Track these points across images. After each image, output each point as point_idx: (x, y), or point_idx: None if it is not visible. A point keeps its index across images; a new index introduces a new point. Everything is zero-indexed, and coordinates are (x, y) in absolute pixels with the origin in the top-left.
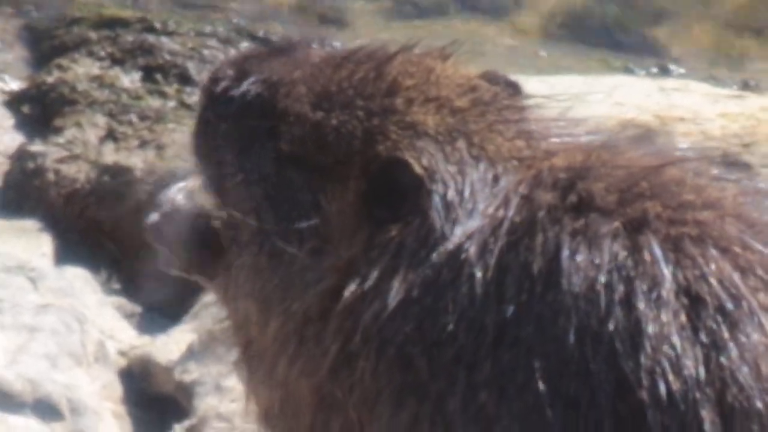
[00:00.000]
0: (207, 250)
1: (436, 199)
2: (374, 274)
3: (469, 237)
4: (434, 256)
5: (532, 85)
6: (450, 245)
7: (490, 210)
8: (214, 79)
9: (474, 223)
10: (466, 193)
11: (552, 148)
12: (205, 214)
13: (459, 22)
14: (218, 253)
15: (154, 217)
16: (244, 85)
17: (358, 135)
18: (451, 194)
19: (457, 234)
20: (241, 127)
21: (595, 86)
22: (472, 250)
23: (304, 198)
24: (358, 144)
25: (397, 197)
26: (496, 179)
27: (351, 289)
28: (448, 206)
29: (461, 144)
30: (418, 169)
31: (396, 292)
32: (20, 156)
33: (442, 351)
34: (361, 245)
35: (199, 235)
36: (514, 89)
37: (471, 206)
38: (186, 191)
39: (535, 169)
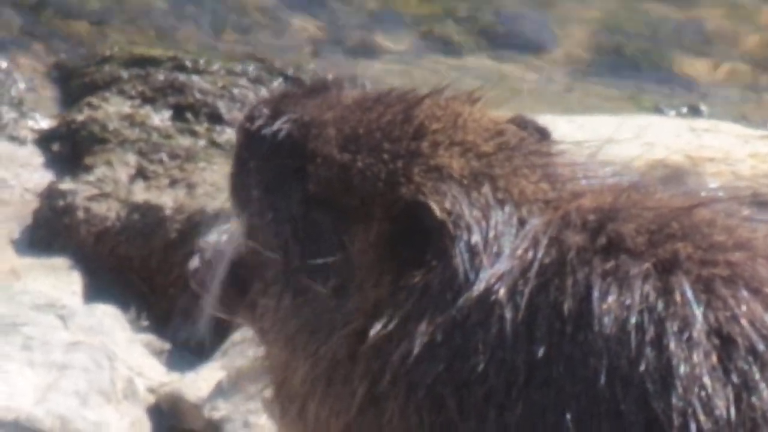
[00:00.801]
0: (247, 294)
1: (460, 244)
2: (399, 316)
3: (499, 279)
4: (461, 298)
5: (561, 125)
6: (478, 288)
7: (519, 252)
8: (250, 118)
9: (502, 266)
10: (491, 236)
11: (578, 189)
12: (245, 256)
13: (489, 58)
14: (250, 298)
15: (195, 262)
16: (277, 125)
17: (383, 177)
18: (476, 238)
19: (484, 277)
20: (271, 166)
21: (625, 126)
22: (502, 291)
23: (329, 239)
24: (382, 186)
25: (420, 240)
26: (522, 222)
27: (376, 329)
28: (472, 250)
29: (486, 188)
30: (439, 213)
31: (422, 334)
32: (50, 194)
33: (473, 391)
34: (386, 288)
35: (239, 280)
36: (543, 134)
37: (497, 249)
38: (228, 235)
39: (563, 210)
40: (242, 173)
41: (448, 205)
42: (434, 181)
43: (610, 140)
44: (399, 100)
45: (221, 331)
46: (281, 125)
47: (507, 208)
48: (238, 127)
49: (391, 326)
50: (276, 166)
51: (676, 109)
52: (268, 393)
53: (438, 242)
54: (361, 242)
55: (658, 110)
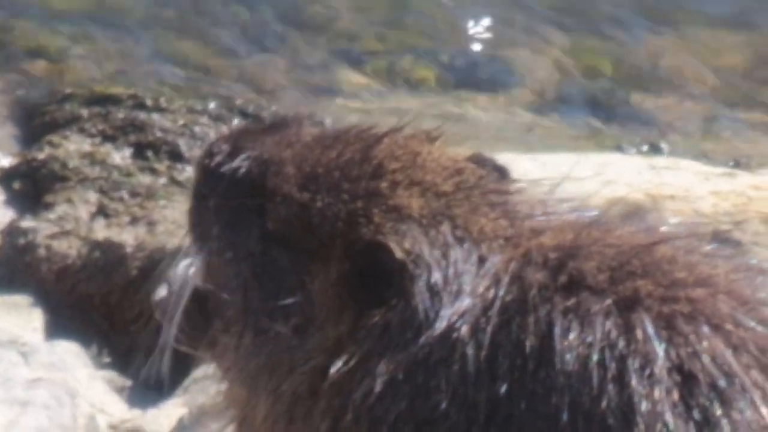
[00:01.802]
0: (211, 327)
1: (420, 283)
2: (359, 354)
3: (461, 316)
4: (423, 336)
5: (524, 163)
6: (440, 326)
7: (480, 290)
8: (209, 154)
9: (463, 304)
10: (451, 274)
11: (538, 226)
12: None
13: (450, 96)
14: (210, 335)
15: (161, 292)
16: (236, 162)
17: (342, 217)
18: (436, 277)
19: (446, 315)
20: (230, 203)
21: (586, 164)
22: (464, 329)
23: (288, 277)
24: (341, 226)
25: (379, 280)
26: (482, 260)
27: (337, 366)
28: (432, 289)
29: (445, 227)
30: (399, 253)
31: (383, 373)
32: (11, 232)
33: (435, 429)
34: (346, 326)
35: (204, 312)
36: (501, 172)
37: (457, 288)
38: (194, 268)
39: (523, 247)
40: (201, 210)
41: (407, 245)
42: (394, 221)
43: (569, 177)
44: (358, 139)
45: (182, 368)
46: (240, 162)
47: (466, 246)
48: (196, 163)
49: (351, 364)
50: (235, 203)
51: (637, 147)
52: (230, 430)
53: (398, 282)
54: (321, 281)
55: (619, 148)
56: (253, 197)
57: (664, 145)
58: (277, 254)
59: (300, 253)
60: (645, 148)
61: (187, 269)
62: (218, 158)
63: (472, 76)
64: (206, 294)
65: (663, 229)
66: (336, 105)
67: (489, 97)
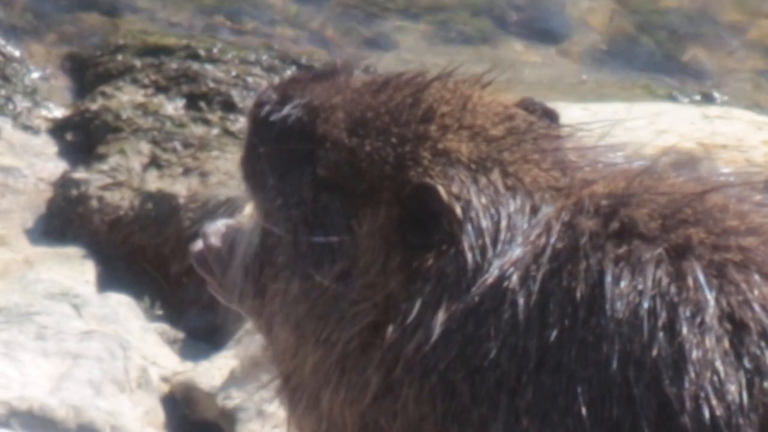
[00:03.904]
0: (250, 281)
1: (469, 228)
2: (416, 308)
3: (512, 265)
4: (474, 286)
5: (575, 111)
6: (492, 274)
7: (532, 238)
8: (259, 104)
9: (515, 252)
10: (503, 224)
11: (590, 176)
12: (249, 243)
13: (503, 47)
14: (261, 283)
15: (198, 245)
16: (286, 110)
17: (391, 161)
18: (486, 224)
19: (498, 263)
20: (281, 151)
21: (638, 113)
22: (514, 277)
23: (339, 223)
24: (390, 170)
25: (428, 224)
26: (534, 209)
27: (394, 326)
28: (482, 236)
29: (495, 174)
30: (446, 196)
31: (439, 323)
32: (64, 183)
33: (485, 377)
34: (397, 275)
35: (242, 266)
36: (552, 117)
37: (509, 236)
38: (232, 221)
39: (575, 197)
40: (252, 159)
41: (455, 189)
42: (442, 165)
43: (621, 125)
44: (407, 84)
45: (235, 320)
46: (290, 110)
47: (519, 197)
48: (247, 113)
49: (408, 321)
50: (285, 151)
51: (690, 97)
52: (278, 382)
53: (445, 225)
54: (369, 226)
55: (671, 97)
56: (304, 144)
57: (716, 95)
58: (327, 200)
59: (350, 198)
60: (698, 97)
61: (224, 223)
62: (268, 107)
63: (524, 28)
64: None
65: (715, 177)
66: (389, 58)
67: (542, 48)
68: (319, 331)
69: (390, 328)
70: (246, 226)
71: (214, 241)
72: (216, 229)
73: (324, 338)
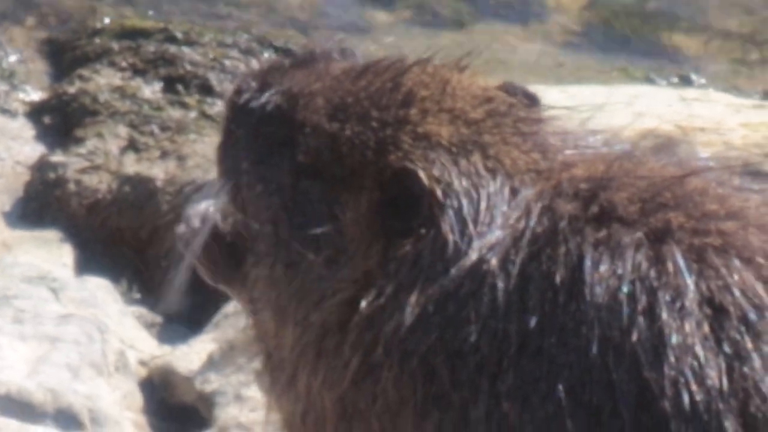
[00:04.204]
0: (233, 262)
1: (449, 211)
2: (390, 288)
3: (491, 248)
4: (453, 268)
5: (553, 94)
6: (470, 258)
7: (511, 221)
8: (238, 91)
9: (494, 235)
10: (483, 206)
11: (569, 159)
12: (231, 225)
13: (480, 31)
14: (243, 269)
15: (181, 228)
16: (265, 96)
17: (371, 146)
18: (466, 207)
19: (476, 246)
20: (260, 137)
21: (616, 96)
22: (493, 261)
23: (319, 208)
24: (371, 155)
25: (408, 208)
26: (514, 192)
27: (368, 300)
28: (463, 219)
29: (476, 157)
30: (427, 180)
31: (413, 306)
32: (41, 166)
33: (465, 361)
34: (377, 257)
35: (225, 247)
36: (532, 100)
37: (489, 219)
38: (214, 203)
39: (555, 180)
40: (229, 145)
41: (436, 172)
42: (423, 149)
43: (601, 108)
44: (387, 69)
45: (212, 304)
46: (269, 97)
47: (498, 179)
48: (226, 101)
49: (382, 297)
50: (265, 137)
51: (667, 79)
52: (258, 363)
53: (426, 210)
54: (352, 212)
55: (649, 80)
56: (283, 130)
57: (694, 77)
58: (307, 186)
59: (330, 183)
60: (675, 80)
61: (206, 205)
62: (247, 95)
63: (502, 11)
64: (234, 237)
65: (694, 161)
66: (366, 42)
67: (519, 31)
68: (299, 313)
69: (363, 303)
70: (224, 209)
71: (196, 222)
72: (197, 211)
73: (302, 318)
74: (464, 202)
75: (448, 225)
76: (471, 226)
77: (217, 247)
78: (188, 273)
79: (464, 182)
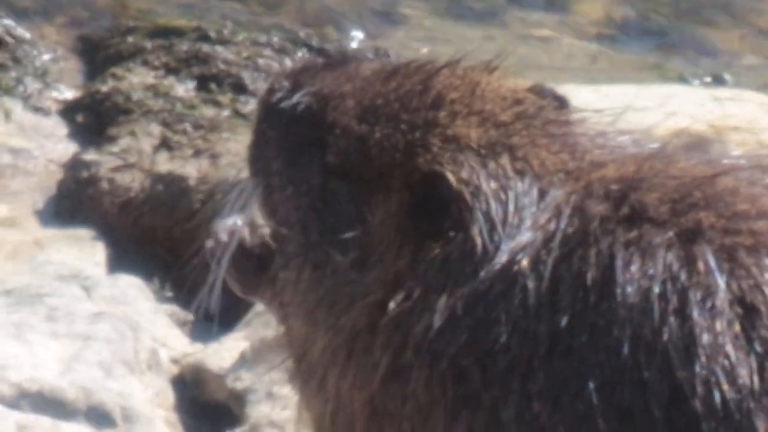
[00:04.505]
0: (261, 274)
1: (478, 214)
2: (419, 290)
3: (522, 249)
4: (483, 270)
5: (585, 94)
6: (500, 259)
7: (541, 222)
8: (270, 91)
9: (525, 237)
10: (511, 207)
11: (599, 159)
12: (259, 237)
13: (513, 24)
14: (271, 273)
15: (210, 243)
16: (296, 97)
17: (401, 148)
18: (495, 209)
19: (506, 248)
20: (290, 138)
21: (649, 95)
22: (524, 262)
23: (348, 210)
24: (400, 157)
25: (437, 211)
26: (542, 193)
27: (396, 301)
28: (491, 221)
29: (505, 159)
30: (456, 183)
31: (442, 308)
32: (74, 165)
33: (496, 361)
34: (406, 259)
35: (253, 260)
36: (561, 102)
37: (518, 221)
38: (242, 217)
39: (585, 180)
40: (261, 146)
41: (465, 175)
42: (452, 151)
43: (631, 108)
44: (417, 71)
45: (244, 302)
46: (300, 98)
47: (527, 180)
48: (259, 99)
49: (411, 299)
50: (295, 138)
51: (700, 78)
52: (290, 366)
53: (455, 213)
54: (381, 213)
55: (682, 79)
56: (313, 131)
57: (727, 77)
58: (337, 187)
59: (360, 185)
60: (708, 79)
61: (235, 221)
62: (279, 95)
63: (535, 6)
64: (262, 249)
65: (725, 160)
66: (399, 35)
67: (552, 27)
68: (330, 316)
69: (391, 305)
70: (253, 219)
71: (224, 237)
72: (225, 225)
73: (333, 322)
74: (492, 204)
75: (476, 227)
76: (500, 228)
77: (246, 260)
78: (219, 284)
79: (492, 184)
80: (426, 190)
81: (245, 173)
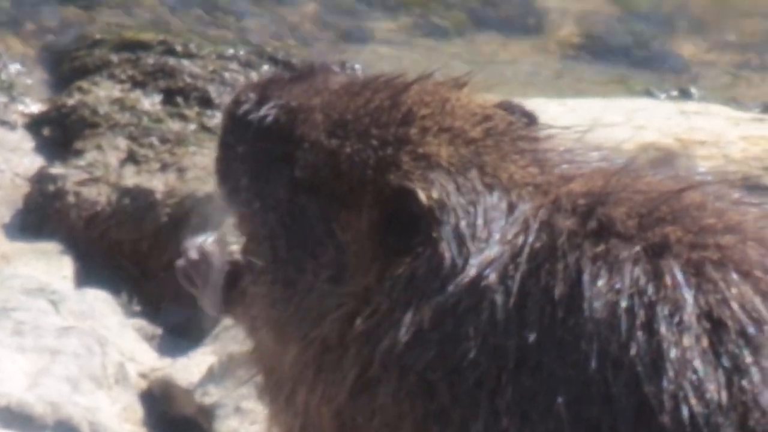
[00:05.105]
0: (232, 291)
1: (447, 230)
2: (386, 305)
3: (489, 264)
4: (451, 285)
5: (552, 108)
6: (468, 274)
7: (509, 237)
8: (236, 102)
9: (492, 252)
10: (480, 222)
11: (568, 173)
12: (228, 254)
13: (479, 41)
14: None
15: (181, 262)
16: (263, 110)
17: (371, 164)
18: (464, 225)
19: (474, 263)
20: (258, 151)
21: (616, 109)
22: (492, 276)
23: (317, 225)
24: (370, 173)
25: (407, 227)
26: (511, 206)
27: (363, 317)
28: (460, 237)
29: (474, 174)
30: (425, 200)
31: (408, 323)
32: (40, 179)
33: (464, 377)
34: (375, 275)
35: (226, 277)
36: (530, 118)
37: (486, 235)
38: (213, 236)
39: (553, 194)
40: (227, 158)
41: (435, 193)
42: (422, 169)
43: (600, 123)
44: (386, 86)
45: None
46: (268, 110)
47: (495, 194)
48: (224, 111)
49: (377, 314)
50: (262, 151)
51: (667, 92)
52: (259, 380)
53: (425, 229)
54: (351, 229)
55: (648, 93)
56: (281, 145)
57: (694, 90)
58: (305, 202)
59: (329, 201)
60: (675, 93)
61: (205, 239)
62: (245, 107)
63: (501, 22)
64: (233, 266)
65: (692, 175)
66: (366, 51)
67: (518, 42)
68: (299, 330)
69: (359, 319)
70: (223, 236)
71: (193, 255)
72: (195, 244)
73: (303, 335)
74: (462, 218)
75: (445, 242)
76: (469, 243)
77: (216, 277)
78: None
79: (462, 199)
80: (396, 206)
81: (212, 187)
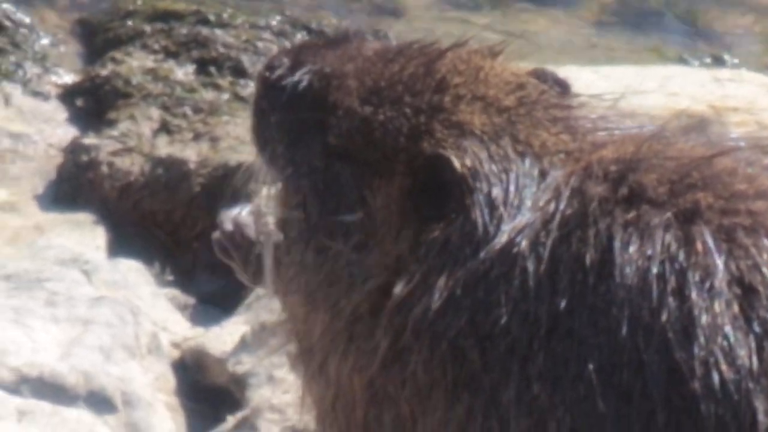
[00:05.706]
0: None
1: (479, 197)
2: (420, 272)
3: (521, 231)
4: (483, 251)
5: (586, 75)
6: (500, 240)
7: (541, 203)
8: (270, 67)
9: (524, 218)
10: (512, 189)
11: (599, 140)
12: (263, 225)
13: (513, 11)
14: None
15: (217, 235)
16: (297, 75)
17: (405, 132)
18: (496, 192)
19: (506, 229)
20: (291, 118)
21: (649, 77)
22: (524, 243)
23: (350, 192)
24: (404, 141)
25: (440, 194)
26: (543, 173)
27: (400, 286)
28: (492, 203)
29: (506, 141)
30: (459, 167)
31: (441, 289)
32: (74, 149)
33: (496, 343)
34: (408, 242)
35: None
36: (563, 87)
37: (518, 202)
38: (248, 208)
39: (584, 161)
40: (261, 124)
41: (468, 161)
42: (455, 137)
43: (632, 91)
44: (421, 53)
45: (245, 285)
46: (301, 76)
47: (527, 160)
48: (257, 76)
49: (413, 282)
50: (296, 118)
51: (700, 59)
52: (291, 349)
53: (457, 196)
54: (383, 196)
55: (682, 60)
56: (315, 111)
57: (727, 57)
58: (338, 169)
59: (362, 167)
60: (708, 60)
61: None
62: (279, 72)
63: None
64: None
65: (723, 141)
66: (400, 24)
67: (552, 12)
68: (329, 298)
69: (396, 289)
70: (258, 208)
71: (228, 227)
72: (230, 216)
73: (332, 304)
74: (494, 185)
75: (477, 209)
76: (501, 209)
77: (251, 248)
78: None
79: (494, 167)
80: (429, 173)
81: (245, 156)
